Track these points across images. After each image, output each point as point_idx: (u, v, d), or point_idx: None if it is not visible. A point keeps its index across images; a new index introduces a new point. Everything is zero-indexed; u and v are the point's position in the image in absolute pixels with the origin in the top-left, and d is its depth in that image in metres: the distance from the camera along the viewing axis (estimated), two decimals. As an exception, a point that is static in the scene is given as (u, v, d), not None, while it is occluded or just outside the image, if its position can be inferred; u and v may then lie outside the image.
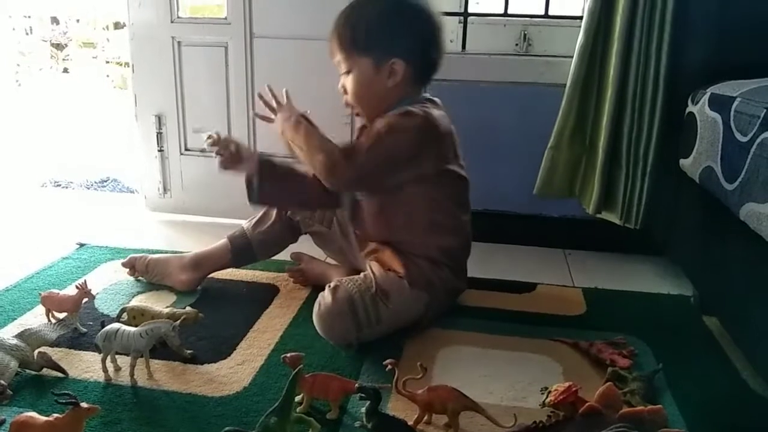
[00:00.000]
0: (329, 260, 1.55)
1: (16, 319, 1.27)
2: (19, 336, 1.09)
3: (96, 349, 1.09)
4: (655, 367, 1.13)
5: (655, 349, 1.22)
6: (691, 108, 1.39)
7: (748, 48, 1.42)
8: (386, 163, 1.21)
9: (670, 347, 1.23)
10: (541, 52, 1.84)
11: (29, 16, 5.05)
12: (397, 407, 1.01)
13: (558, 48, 1.77)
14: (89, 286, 1.22)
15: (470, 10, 1.83)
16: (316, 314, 1.20)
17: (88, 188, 2.49)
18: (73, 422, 0.86)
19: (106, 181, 2.56)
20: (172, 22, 1.84)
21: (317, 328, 1.20)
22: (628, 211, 1.59)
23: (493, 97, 1.76)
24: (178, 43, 1.86)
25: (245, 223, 1.48)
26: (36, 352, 1.08)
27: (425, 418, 0.97)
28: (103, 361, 1.07)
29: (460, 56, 1.77)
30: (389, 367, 0.98)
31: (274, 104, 1.29)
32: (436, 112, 1.25)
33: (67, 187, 2.48)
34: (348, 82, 1.27)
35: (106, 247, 1.68)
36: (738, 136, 1.09)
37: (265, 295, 1.43)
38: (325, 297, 1.20)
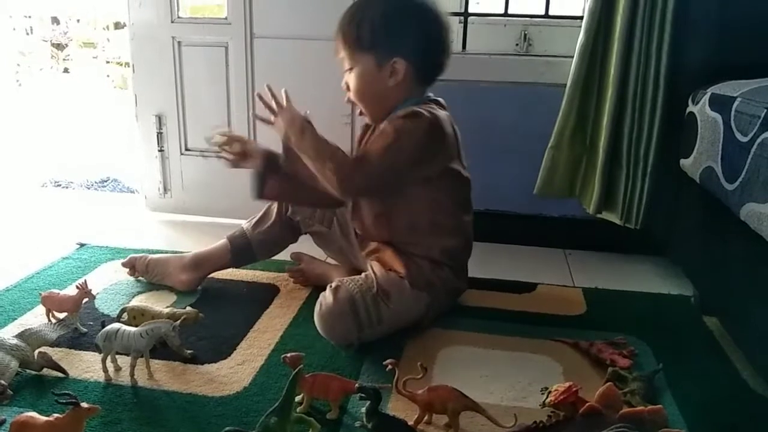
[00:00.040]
0: (329, 260, 1.55)
1: (16, 319, 1.27)
2: (20, 336, 1.09)
3: (96, 349, 1.09)
4: (655, 367, 1.13)
5: (655, 349, 1.22)
6: (691, 108, 1.39)
7: (748, 48, 1.43)
8: (397, 169, 1.21)
9: (670, 347, 1.23)
10: (541, 52, 1.84)
11: (30, 16, 5.06)
12: (397, 407, 1.01)
13: (558, 48, 1.77)
14: (89, 286, 1.22)
15: (470, 10, 1.83)
16: (318, 314, 1.20)
17: (88, 188, 2.49)
18: (73, 422, 0.86)
19: (106, 181, 2.56)
20: (172, 22, 1.84)
21: (318, 328, 1.20)
22: (628, 211, 1.59)
23: (494, 97, 1.76)
24: (179, 43, 1.86)
25: (245, 224, 1.48)
26: (36, 352, 1.08)
27: (425, 418, 0.97)
28: (104, 361, 1.07)
29: (460, 56, 1.76)
30: (389, 367, 0.98)
31: (274, 105, 1.27)
32: (441, 113, 1.25)
33: (67, 187, 2.48)
34: (351, 79, 1.27)
35: (107, 247, 1.68)
36: (738, 136, 1.09)
37: (266, 295, 1.43)
38: (327, 297, 1.20)
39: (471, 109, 1.72)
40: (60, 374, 1.07)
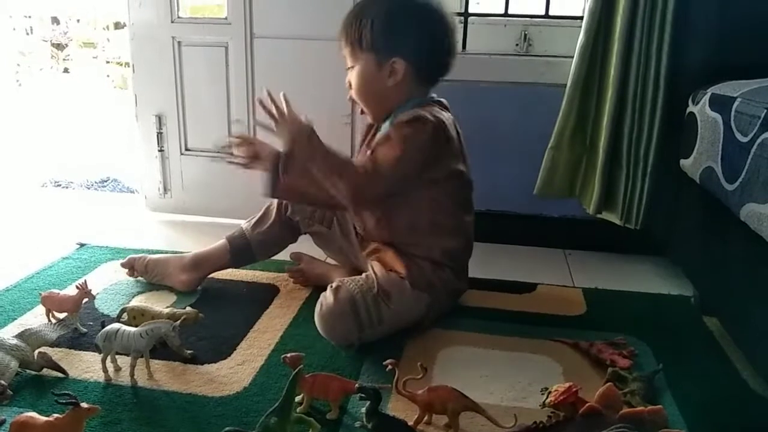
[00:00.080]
0: (329, 260, 1.55)
1: (16, 319, 1.27)
2: (20, 336, 1.09)
3: (96, 349, 1.09)
4: (655, 368, 1.13)
5: (655, 350, 1.22)
6: (691, 108, 1.39)
7: (748, 48, 1.42)
8: (408, 178, 1.21)
9: (670, 347, 1.23)
10: (541, 52, 1.83)
11: (30, 16, 5.06)
12: (397, 407, 1.01)
13: (558, 48, 1.77)
14: (89, 286, 1.22)
15: (471, 10, 1.83)
16: (318, 314, 1.20)
17: (88, 188, 2.49)
18: (73, 422, 0.86)
19: (106, 181, 2.56)
20: (172, 22, 1.84)
21: (319, 328, 1.20)
22: (628, 212, 1.58)
23: (494, 97, 1.76)
24: (179, 43, 1.86)
25: (244, 224, 1.48)
26: (36, 352, 1.08)
27: (425, 418, 0.97)
28: (103, 361, 1.07)
29: (460, 56, 1.73)
30: (389, 367, 0.98)
31: (274, 111, 1.20)
32: (445, 115, 1.25)
33: (67, 187, 2.48)
34: (352, 77, 1.27)
35: (107, 247, 1.68)
36: (738, 136, 1.09)
37: (265, 295, 1.43)
38: (327, 297, 1.20)
39: (471, 109, 1.72)
40: (60, 374, 1.07)
